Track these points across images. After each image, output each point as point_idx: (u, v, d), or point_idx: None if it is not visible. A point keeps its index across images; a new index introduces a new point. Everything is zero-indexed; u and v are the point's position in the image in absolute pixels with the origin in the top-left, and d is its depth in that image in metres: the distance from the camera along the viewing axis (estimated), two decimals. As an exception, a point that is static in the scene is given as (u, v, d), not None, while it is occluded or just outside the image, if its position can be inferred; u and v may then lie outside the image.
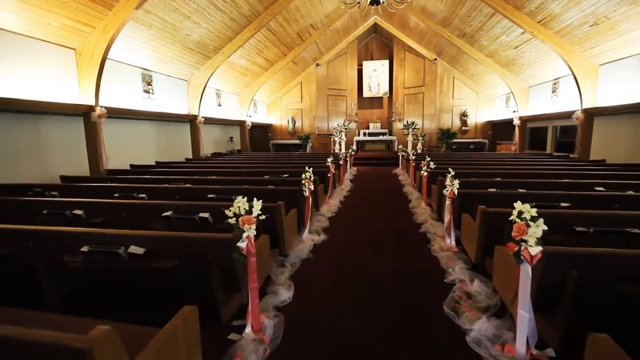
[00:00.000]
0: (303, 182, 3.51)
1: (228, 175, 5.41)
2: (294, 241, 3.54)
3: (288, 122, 15.75)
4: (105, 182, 4.92)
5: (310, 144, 15.06)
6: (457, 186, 3.33)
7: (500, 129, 14.29)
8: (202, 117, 9.46)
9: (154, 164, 7.74)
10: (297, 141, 14.83)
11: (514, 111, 11.53)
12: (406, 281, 2.96)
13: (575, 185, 4.07)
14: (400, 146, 11.37)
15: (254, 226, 1.98)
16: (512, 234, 1.79)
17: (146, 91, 7.62)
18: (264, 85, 14.09)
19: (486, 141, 14.17)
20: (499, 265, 2.41)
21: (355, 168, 11.49)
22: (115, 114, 6.62)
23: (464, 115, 14.59)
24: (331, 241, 3.95)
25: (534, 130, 11.67)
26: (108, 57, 6.37)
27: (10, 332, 1.01)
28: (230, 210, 1.99)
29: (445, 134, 13.09)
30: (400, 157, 11.08)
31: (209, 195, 3.59)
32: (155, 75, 7.96)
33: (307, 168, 3.63)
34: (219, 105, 11.22)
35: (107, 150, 6.18)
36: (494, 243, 2.51)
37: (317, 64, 15.03)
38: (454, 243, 3.51)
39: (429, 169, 5.17)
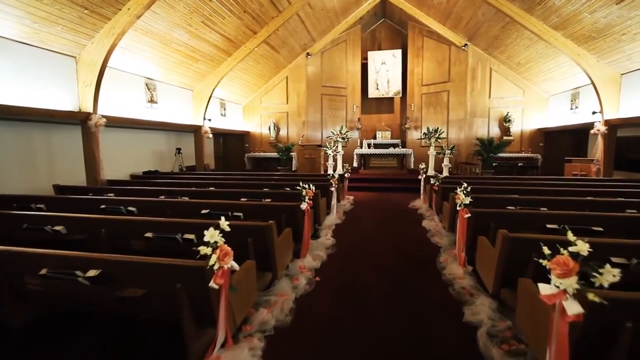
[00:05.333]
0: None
1: None
2: None
3: (270, 129, 12.07)
4: None
5: (296, 158, 11.33)
6: None
7: (555, 140, 10.35)
8: (101, 115, 5.85)
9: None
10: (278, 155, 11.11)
11: (594, 112, 7.61)
12: None
13: None
14: (422, 165, 7.50)
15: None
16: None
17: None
18: (237, 81, 10.53)
19: (539, 156, 10.20)
20: None
21: (351, 197, 7.65)
22: None
23: (505, 120, 10.67)
24: None
25: (618, 141, 7.74)
26: None
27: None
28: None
29: (487, 147, 9.12)
30: (422, 183, 7.22)
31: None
32: (-17, 38, 4.42)
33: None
34: (152, 101, 7.63)
35: None
36: None
37: (308, 54, 11.42)
38: None
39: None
